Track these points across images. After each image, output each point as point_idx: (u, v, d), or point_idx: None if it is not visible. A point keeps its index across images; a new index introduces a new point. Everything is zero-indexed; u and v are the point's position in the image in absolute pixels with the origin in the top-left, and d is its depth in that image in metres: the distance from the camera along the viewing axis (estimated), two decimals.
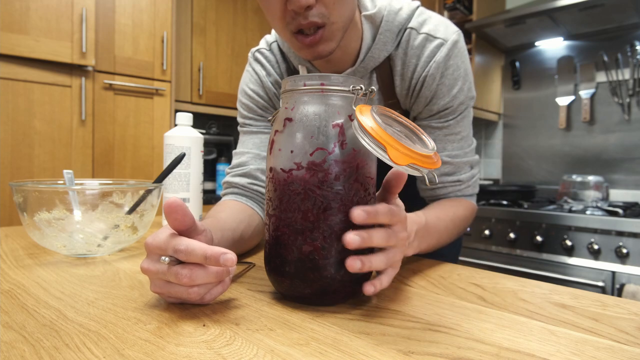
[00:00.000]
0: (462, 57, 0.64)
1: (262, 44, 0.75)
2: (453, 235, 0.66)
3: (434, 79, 0.63)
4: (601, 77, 2.04)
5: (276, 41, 0.73)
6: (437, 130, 0.67)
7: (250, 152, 0.72)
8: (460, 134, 0.68)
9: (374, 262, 0.40)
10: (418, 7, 0.65)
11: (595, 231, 1.51)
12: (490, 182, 2.39)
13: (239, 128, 0.76)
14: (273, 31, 0.74)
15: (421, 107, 0.66)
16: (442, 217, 0.62)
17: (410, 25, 0.63)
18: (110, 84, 1.84)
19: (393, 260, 0.43)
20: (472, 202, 0.73)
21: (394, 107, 0.68)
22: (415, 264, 0.62)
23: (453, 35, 0.63)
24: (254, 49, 0.75)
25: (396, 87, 0.67)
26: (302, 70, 0.63)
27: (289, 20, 0.53)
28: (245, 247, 0.64)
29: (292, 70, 0.73)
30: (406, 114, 0.70)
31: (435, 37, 0.63)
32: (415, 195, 0.79)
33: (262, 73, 0.73)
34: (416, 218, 0.55)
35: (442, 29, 0.64)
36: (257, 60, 0.74)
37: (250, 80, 0.74)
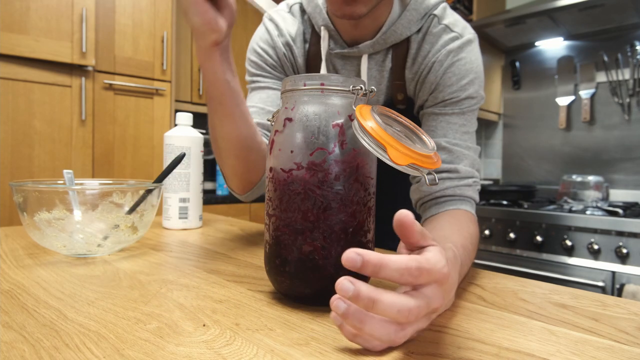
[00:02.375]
0: (475, 55, 0.67)
1: (282, 5, 0.76)
2: (471, 262, 0.55)
3: (442, 65, 0.65)
4: (601, 77, 2.04)
5: (300, 3, 0.74)
6: (439, 117, 0.66)
7: (255, 106, 0.72)
8: (464, 127, 0.66)
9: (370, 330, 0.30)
10: (444, 0, 0.69)
11: (595, 231, 1.51)
12: (490, 182, 2.39)
13: (247, 86, 0.77)
14: None
15: (426, 94, 0.67)
16: (467, 246, 0.52)
17: (435, 12, 0.67)
18: (110, 84, 1.84)
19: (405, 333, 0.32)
20: (474, 215, 0.65)
21: (399, 88, 0.70)
22: None
23: (469, 35, 0.67)
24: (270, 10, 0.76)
25: (406, 69, 0.69)
26: (324, 33, 0.67)
27: None
28: (249, 155, 0.63)
29: (308, 34, 0.73)
30: (410, 101, 0.71)
31: (453, 31, 0.66)
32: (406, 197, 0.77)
33: (275, 33, 0.73)
34: (455, 264, 0.41)
35: (461, 26, 0.67)
36: (271, 19, 0.75)
37: (261, 39, 0.75)
